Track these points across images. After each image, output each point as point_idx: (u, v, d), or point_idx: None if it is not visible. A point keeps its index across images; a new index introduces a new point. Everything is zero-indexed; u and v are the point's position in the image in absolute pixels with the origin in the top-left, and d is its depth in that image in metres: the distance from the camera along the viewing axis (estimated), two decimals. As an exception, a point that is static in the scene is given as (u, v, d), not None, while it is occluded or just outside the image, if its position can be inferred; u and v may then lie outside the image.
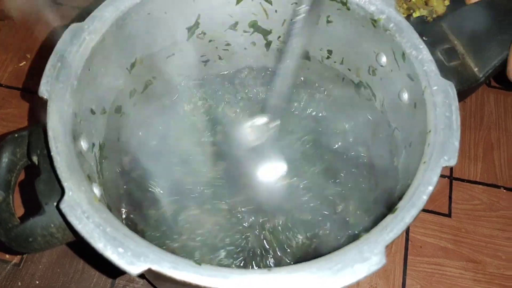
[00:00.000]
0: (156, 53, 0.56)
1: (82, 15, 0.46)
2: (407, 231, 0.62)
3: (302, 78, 0.63)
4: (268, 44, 0.61)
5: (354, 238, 0.38)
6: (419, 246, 0.62)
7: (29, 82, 0.72)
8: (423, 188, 0.40)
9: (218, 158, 0.58)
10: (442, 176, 0.63)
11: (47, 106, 0.41)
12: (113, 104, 0.53)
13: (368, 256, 0.36)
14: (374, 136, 0.58)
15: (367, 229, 0.39)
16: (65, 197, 0.37)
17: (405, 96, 0.49)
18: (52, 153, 0.39)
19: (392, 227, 0.38)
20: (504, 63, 0.49)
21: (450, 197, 0.62)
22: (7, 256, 0.60)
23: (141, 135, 0.59)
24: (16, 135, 0.44)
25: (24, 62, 0.73)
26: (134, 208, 0.55)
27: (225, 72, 0.64)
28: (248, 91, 0.62)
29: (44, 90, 0.42)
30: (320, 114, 0.63)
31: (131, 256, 0.35)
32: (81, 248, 0.61)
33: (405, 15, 0.57)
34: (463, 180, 0.63)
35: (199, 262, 0.36)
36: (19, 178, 0.44)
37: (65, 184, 0.37)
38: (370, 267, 0.36)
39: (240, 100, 0.61)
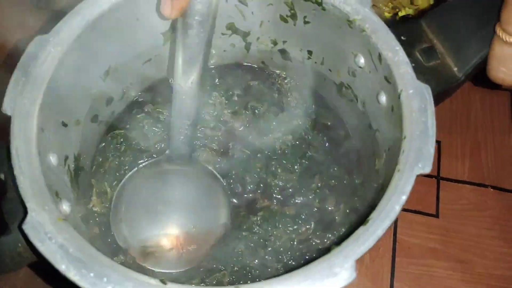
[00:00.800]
0: (131, 60, 0.55)
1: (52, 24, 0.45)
2: (394, 232, 0.61)
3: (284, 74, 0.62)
4: (248, 46, 0.60)
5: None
6: (407, 248, 0.61)
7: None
8: (397, 198, 0.39)
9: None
10: (429, 176, 0.62)
11: (11, 123, 0.40)
12: (88, 114, 0.52)
13: (338, 271, 0.35)
14: (359, 136, 0.57)
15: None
16: (28, 217, 0.36)
17: (383, 98, 0.48)
18: (15, 172, 0.38)
19: (364, 240, 0.37)
20: (484, 61, 0.47)
21: (437, 197, 0.61)
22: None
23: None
24: (-16, 152, 0.43)
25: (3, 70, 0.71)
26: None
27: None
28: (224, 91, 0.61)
29: (7, 106, 0.41)
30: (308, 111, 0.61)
31: (94, 277, 0.34)
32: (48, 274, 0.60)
33: (391, 14, 0.56)
34: (450, 180, 0.62)
35: (164, 282, 0.35)
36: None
37: (28, 205, 0.37)
38: (340, 282, 0.35)
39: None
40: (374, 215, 0.38)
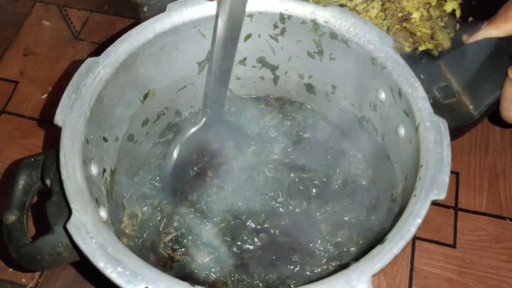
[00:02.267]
0: (168, 86, 0.59)
1: (100, 50, 0.51)
2: (411, 261, 0.63)
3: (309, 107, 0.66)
4: (276, 79, 0.64)
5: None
6: (424, 277, 0.62)
7: (48, 113, 0.76)
8: (412, 220, 0.41)
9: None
10: (447, 206, 0.65)
11: (61, 133, 0.44)
12: (126, 132, 0.57)
13: (355, 285, 0.38)
14: (377, 168, 0.59)
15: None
16: (72, 218, 0.40)
17: (402, 131, 0.51)
18: (62, 177, 0.42)
19: (380, 257, 0.39)
20: (497, 102, 0.50)
21: (455, 228, 0.62)
22: (24, 280, 0.63)
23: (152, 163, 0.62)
24: (32, 159, 0.47)
25: (46, 95, 0.78)
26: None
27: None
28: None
29: (59, 118, 0.45)
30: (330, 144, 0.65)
31: (129, 275, 0.37)
32: (92, 274, 0.64)
33: (411, 49, 0.59)
34: (468, 211, 0.63)
35: (193, 284, 0.38)
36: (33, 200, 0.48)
37: (72, 206, 0.40)
38: (356, 296, 0.37)
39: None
40: (390, 235, 0.41)
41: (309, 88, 0.63)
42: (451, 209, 0.63)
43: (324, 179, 0.61)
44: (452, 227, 0.62)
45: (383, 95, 0.53)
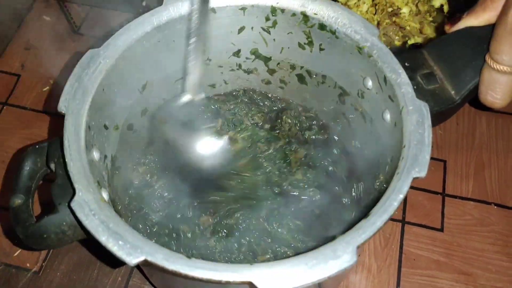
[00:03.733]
0: (165, 77, 0.62)
1: (98, 44, 0.53)
2: (401, 244, 0.65)
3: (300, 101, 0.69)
4: (271, 71, 0.67)
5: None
6: (413, 259, 0.65)
7: (50, 105, 0.80)
8: (395, 196, 0.44)
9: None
10: (435, 192, 0.67)
11: (64, 120, 0.47)
12: (125, 121, 0.59)
13: (340, 254, 0.40)
14: (368, 152, 0.62)
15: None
16: (76, 197, 0.42)
17: (388, 116, 0.54)
18: (66, 159, 0.45)
19: (365, 230, 0.42)
20: (477, 86, 0.53)
21: (442, 213, 0.65)
22: (28, 264, 0.66)
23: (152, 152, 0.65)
24: (37, 146, 0.50)
25: (48, 87, 0.81)
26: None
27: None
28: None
29: (62, 106, 0.48)
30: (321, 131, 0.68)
31: (129, 248, 0.40)
32: (95, 256, 0.67)
33: (401, 43, 0.62)
34: (455, 197, 0.66)
35: (189, 256, 0.41)
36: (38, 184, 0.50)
37: (76, 186, 0.43)
38: (341, 264, 0.40)
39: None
40: (374, 210, 0.43)
41: (301, 78, 0.66)
42: (439, 195, 0.66)
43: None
44: (440, 212, 0.65)
45: (370, 83, 0.56)
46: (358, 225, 0.43)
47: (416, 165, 0.45)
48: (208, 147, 0.62)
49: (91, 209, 0.42)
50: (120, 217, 0.44)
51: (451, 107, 0.54)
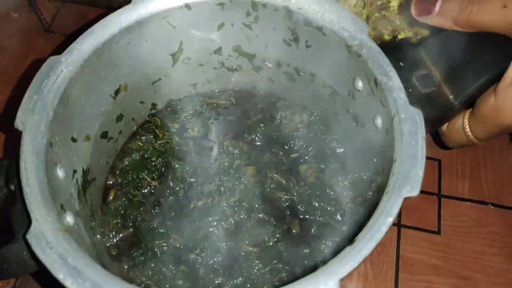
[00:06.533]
0: (140, 79, 0.58)
1: (69, 43, 0.49)
2: (397, 249, 0.62)
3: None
4: (257, 68, 0.62)
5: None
6: (410, 264, 0.62)
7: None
8: (383, 219, 0.40)
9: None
10: (430, 194, 0.63)
11: (21, 138, 0.43)
12: (98, 130, 0.55)
13: (322, 289, 0.37)
14: (360, 157, 0.58)
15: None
16: (31, 227, 0.39)
17: (379, 122, 0.49)
18: (22, 184, 0.41)
19: (349, 260, 0.38)
20: (479, 91, 0.48)
21: (439, 214, 0.62)
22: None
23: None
24: (-3, 164, 0.46)
25: (17, 91, 0.75)
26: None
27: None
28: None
29: (19, 122, 0.44)
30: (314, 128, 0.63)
31: (89, 286, 0.36)
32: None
33: (390, 37, 0.57)
34: (451, 198, 0.63)
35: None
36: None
37: (32, 215, 0.39)
38: (321, 301, 0.36)
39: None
40: (360, 235, 0.39)
41: (288, 75, 0.61)
42: (435, 196, 0.63)
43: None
44: (436, 214, 0.62)
45: (360, 84, 0.51)
46: (342, 253, 0.39)
47: (407, 183, 0.41)
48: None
49: (48, 241, 0.38)
50: (89, 242, 0.41)
51: (448, 113, 0.50)
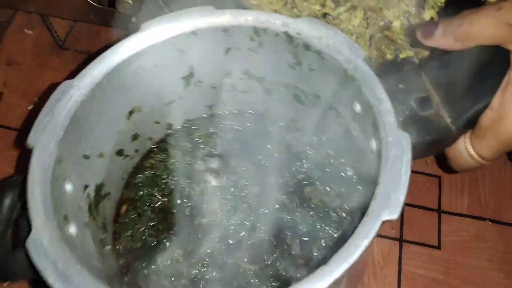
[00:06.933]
0: (154, 102, 0.61)
1: (86, 60, 0.52)
2: (399, 263, 0.62)
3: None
4: (267, 91, 0.64)
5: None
6: (411, 278, 0.63)
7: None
8: (359, 242, 0.40)
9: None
10: (431, 209, 0.63)
11: (31, 155, 0.47)
12: (114, 147, 0.59)
13: (290, 309, 0.37)
14: (363, 181, 0.58)
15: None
16: (30, 235, 0.43)
17: (373, 145, 0.49)
18: (27, 196, 0.45)
19: (320, 279, 0.38)
20: (477, 115, 0.47)
21: (439, 230, 0.64)
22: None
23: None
24: (14, 178, 0.51)
25: (32, 106, 0.78)
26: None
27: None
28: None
29: (31, 142, 0.48)
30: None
31: (74, 291, 0.40)
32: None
33: (392, 56, 0.57)
34: (451, 213, 0.65)
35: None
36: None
37: (32, 223, 0.43)
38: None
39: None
40: (335, 257, 0.40)
41: (296, 97, 0.62)
42: (435, 211, 0.64)
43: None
44: (436, 229, 0.63)
45: (358, 107, 0.52)
46: (315, 273, 0.39)
47: (387, 206, 0.41)
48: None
49: (44, 248, 0.42)
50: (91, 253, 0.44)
51: (446, 137, 0.49)
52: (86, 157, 0.54)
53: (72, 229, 0.48)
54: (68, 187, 0.50)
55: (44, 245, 0.42)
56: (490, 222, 0.64)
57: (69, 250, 0.43)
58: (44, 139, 0.48)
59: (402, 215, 0.41)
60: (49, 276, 0.40)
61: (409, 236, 0.64)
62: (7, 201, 0.51)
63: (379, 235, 0.52)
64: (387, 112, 0.46)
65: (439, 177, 0.68)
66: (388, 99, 0.47)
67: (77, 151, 0.53)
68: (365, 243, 0.40)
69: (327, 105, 0.59)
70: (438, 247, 0.63)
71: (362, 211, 0.54)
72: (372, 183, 0.52)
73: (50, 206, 0.45)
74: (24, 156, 0.72)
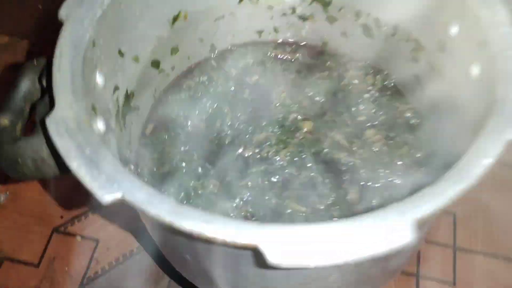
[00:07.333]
0: (203, 11, 0.52)
1: None
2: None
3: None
4: (331, 18, 0.55)
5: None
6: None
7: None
8: (478, 160, 0.31)
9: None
10: (446, 246, 0.59)
11: (62, 27, 0.38)
12: (150, 55, 0.50)
13: (393, 226, 0.28)
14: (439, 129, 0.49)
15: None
16: (53, 112, 0.33)
17: (476, 70, 0.40)
18: (53, 68, 0.36)
19: (430, 198, 0.30)
20: None
21: (454, 267, 0.58)
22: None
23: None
24: (35, 62, 0.42)
25: None
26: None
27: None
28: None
29: (63, 13, 0.39)
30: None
31: (105, 180, 0.30)
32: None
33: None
34: (465, 250, 0.60)
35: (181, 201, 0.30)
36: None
37: (56, 99, 0.34)
38: (392, 240, 0.28)
39: None
40: (446, 176, 0.31)
41: (366, 30, 0.54)
42: (450, 248, 0.60)
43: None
44: (451, 266, 0.58)
45: (455, 29, 0.43)
46: (420, 192, 0.30)
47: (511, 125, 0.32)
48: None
49: (68, 128, 0.33)
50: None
51: None
52: (121, 53, 0.45)
53: (100, 125, 0.39)
54: (99, 79, 0.41)
55: (69, 125, 0.33)
56: (502, 260, 0.59)
57: (97, 136, 0.34)
58: (79, 13, 0.39)
59: (492, 164, 0.32)
60: (73, 159, 0.31)
61: (425, 272, 0.59)
62: (20, 88, 0.41)
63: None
64: (503, 24, 0.37)
65: (453, 213, 0.62)
66: (504, 9, 0.38)
67: (112, 42, 0.43)
68: (485, 162, 0.31)
69: (404, 37, 0.51)
70: (453, 283, 0.58)
71: (443, 162, 0.46)
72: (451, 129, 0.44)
73: (79, 87, 0.36)
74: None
